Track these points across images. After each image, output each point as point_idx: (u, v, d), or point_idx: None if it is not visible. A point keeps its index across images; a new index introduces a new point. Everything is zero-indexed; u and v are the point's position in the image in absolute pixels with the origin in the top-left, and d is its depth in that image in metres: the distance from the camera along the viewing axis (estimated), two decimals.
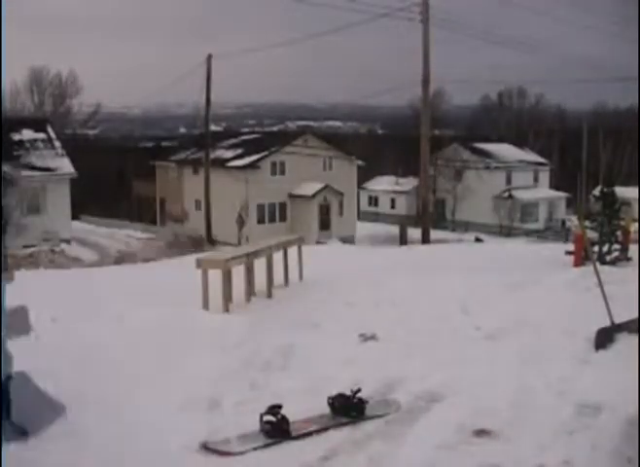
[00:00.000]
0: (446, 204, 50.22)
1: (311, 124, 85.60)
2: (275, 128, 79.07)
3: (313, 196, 38.80)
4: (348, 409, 4.53)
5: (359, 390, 4.55)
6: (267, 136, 45.73)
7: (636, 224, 17.73)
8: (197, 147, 38.81)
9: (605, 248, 14.40)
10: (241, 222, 35.65)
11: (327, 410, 4.69)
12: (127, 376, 5.15)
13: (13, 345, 4.28)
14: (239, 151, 39.70)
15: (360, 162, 42.81)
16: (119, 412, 4.54)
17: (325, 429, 4.37)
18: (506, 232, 45.26)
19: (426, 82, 24.37)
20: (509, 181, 49.33)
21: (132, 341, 5.98)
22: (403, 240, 27.94)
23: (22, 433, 4.01)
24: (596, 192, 18.55)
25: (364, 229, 41.91)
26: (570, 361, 5.56)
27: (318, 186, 38.93)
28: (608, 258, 14.04)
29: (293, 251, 10.75)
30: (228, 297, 8.38)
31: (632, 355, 5.29)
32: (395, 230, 30.83)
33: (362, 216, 48.08)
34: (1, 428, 3.98)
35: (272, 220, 38.66)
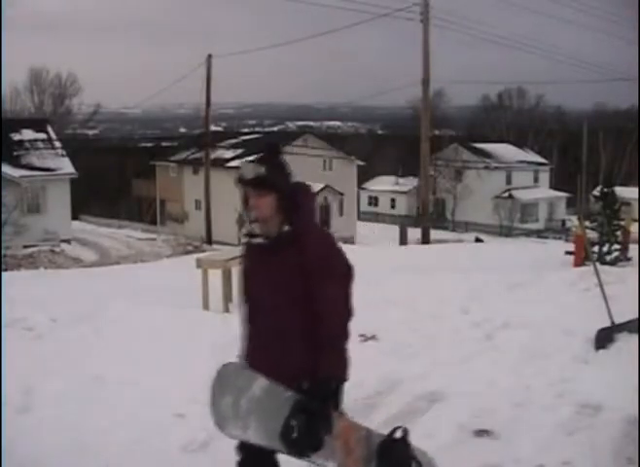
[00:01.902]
0: (446, 204, 50.23)
1: (311, 124, 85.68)
2: (275, 128, 79.10)
3: None
4: None
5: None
6: (267, 136, 45.73)
7: (636, 224, 17.72)
8: (197, 147, 38.82)
9: (605, 248, 14.41)
10: (241, 222, 35.57)
11: None
12: (127, 376, 5.15)
13: None
14: (239, 151, 39.70)
15: (360, 162, 42.81)
16: (124, 418, 4.53)
17: None
18: (506, 232, 45.28)
19: (426, 82, 24.36)
20: (509, 181, 49.35)
21: (131, 342, 5.98)
22: (402, 240, 27.95)
23: None
24: (596, 192, 18.57)
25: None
26: (570, 361, 5.56)
27: (318, 186, 38.93)
28: (608, 258, 14.06)
29: None
30: (228, 297, 8.38)
31: (632, 355, 5.29)
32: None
33: (362, 216, 48.09)
34: (1, 426, 3.98)
35: None
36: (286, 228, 2.89)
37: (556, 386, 4.98)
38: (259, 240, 2.97)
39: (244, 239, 3.07)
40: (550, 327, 6.42)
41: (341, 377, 2.84)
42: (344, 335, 2.86)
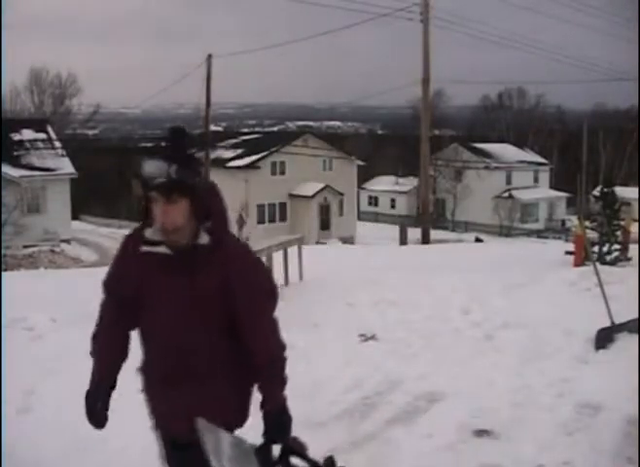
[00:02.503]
0: (446, 204, 50.26)
1: (311, 124, 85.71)
2: (275, 128, 79.13)
3: (313, 196, 38.81)
4: None
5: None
6: (267, 136, 45.77)
7: (636, 224, 17.72)
8: (197, 147, 38.84)
9: (605, 248, 14.39)
10: (241, 222, 35.65)
11: (325, 411, 4.69)
12: (127, 376, 5.14)
13: None
14: (239, 151, 39.73)
15: (360, 162, 42.82)
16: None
17: None
18: (506, 232, 45.30)
19: (426, 82, 24.36)
20: (509, 181, 49.38)
21: (131, 342, 5.97)
22: (402, 240, 27.95)
23: None
24: (596, 192, 18.57)
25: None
26: (570, 361, 5.57)
27: (318, 186, 38.94)
28: (608, 258, 14.04)
29: (293, 251, 10.75)
30: None
31: (632, 355, 5.29)
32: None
33: (362, 216, 48.12)
34: (1, 426, 3.98)
35: (272, 220, 38.70)
36: (204, 239, 2.36)
37: (556, 386, 4.98)
38: (164, 250, 2.38)
39: (144, 248, 2.41)
40: (550, 327, 6.42)
41: (283, 410, 2.41)
42: (285, 360, 2.45)
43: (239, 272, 2.38)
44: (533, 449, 4.00)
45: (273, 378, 2.41)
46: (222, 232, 2.41)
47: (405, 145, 50.41)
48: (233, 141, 41.96)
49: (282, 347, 2.45)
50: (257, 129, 66.62)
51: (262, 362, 2.39)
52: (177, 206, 2.29)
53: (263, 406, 2.37)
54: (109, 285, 2.64)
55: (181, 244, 2.35)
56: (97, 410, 2.56)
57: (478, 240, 36.63)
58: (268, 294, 2.52)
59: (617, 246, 14.52)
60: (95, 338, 2.67)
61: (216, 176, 35.23)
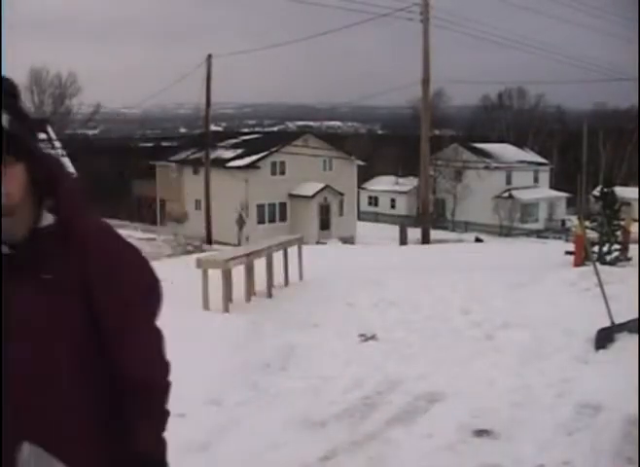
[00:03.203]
0: (446, 204, 50.26)
1: (311, 124, 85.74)
2: (275, 128, 79.16)
3: (313, 196, 38.80)
4: None
5: None
6: (267, 136, 45.78)
7: (636, 224, 17.73)
8: (197, 147, 38.84)
9: (605, 248, 14.40)
10: (241, 222, 35.65)
11: (325, 411, 4.69)
12: None
13: None
14: (239, 151, 39.73)
15: (360, 162, 42.83)
16: None
17: None
18: (506, 232, 45.29)
19: (426, 82, 24.37)
20: (509, 181, 49.37)
21: None
22: (402, 240, 27.95)
23: None
24: (596, 192, 18.57)
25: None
26: (570, 361, 5.57)
27: (318, 186, 38.93)
28: (608, 258, 14.05)
29: (293, 251, 10.76)
30: (228, 297, 8.37)
31: (632, 355, 5.29)
32: None
33: (362, 216, 48.12)
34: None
35: (272, 220, 38.70)
36: (48, 219, 1.65)
37: (556, 386, 4.98)
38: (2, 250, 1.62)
39: None
40: (550, 327, 6.42)
41: (162, 456, 1.81)
42: (168, 386, 1.81)
43: (100, 265, 1.66)
44: (533, 449, 4.00)
45: (149, 413, 1.74)
46: (72, 210, 1.68)
47: (405, 145, 50.44)
48: (233, 141, 41.96)
49: (164, 370, 1.82)
50: (257, 129, 66.64)
51: (134, 390, 1.73)
52: (12, 171, 1.58)
53: (129, 446, 1.71)
54: None
55: (20, 236, 1.63)
56: None
57: (478, 240, 36.60)
58: (145, 293, 1.81)
59: (617, 246, 14.53)
60: None
61: (216, 176, 35.27)
